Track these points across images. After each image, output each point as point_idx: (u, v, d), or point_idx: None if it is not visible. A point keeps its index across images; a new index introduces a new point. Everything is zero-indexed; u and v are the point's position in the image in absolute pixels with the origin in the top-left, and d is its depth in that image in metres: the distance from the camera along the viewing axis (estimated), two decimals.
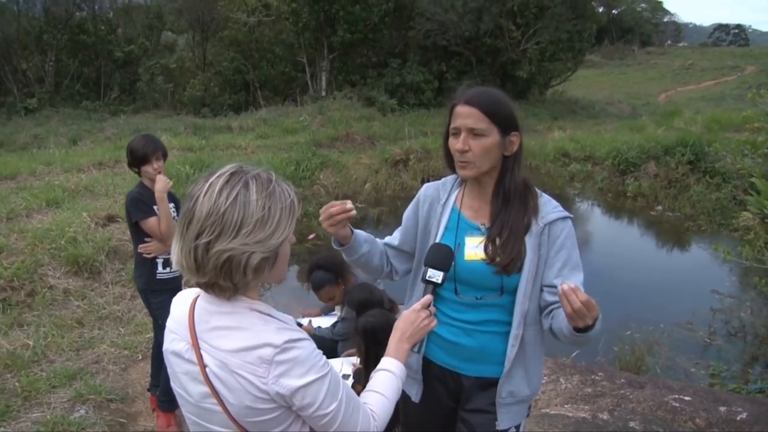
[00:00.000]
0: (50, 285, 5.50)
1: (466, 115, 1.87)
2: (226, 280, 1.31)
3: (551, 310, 1.88)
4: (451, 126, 1.93)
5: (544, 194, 2.02)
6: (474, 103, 1.86)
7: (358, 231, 2.04)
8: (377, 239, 2.18)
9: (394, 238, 2.21)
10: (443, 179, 2.16)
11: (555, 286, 1.85)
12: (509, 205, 1.94)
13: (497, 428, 2.05)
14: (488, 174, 1.96)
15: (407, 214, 2.20)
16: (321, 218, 1.89)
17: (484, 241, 1.95)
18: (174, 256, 1.35)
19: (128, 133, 14.80)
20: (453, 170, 2.03)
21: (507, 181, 1.95)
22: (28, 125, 17.76)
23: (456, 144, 1.90)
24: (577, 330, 1.68)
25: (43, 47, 22.13)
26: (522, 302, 1.93)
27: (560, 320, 1.77)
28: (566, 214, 1.98)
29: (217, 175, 1.31)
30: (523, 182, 1.97)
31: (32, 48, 22.09)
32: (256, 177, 1.32)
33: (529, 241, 1.92)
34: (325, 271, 3.87)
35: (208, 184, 1.30)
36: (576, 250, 1.96)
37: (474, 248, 1.96)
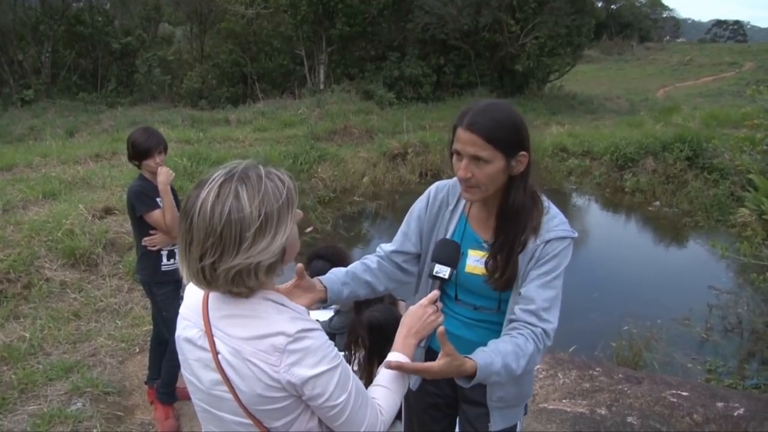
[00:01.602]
0: (47, 277, 5.49)
1: (467, 142, 1.75)
2: (240, 287, 1.32)
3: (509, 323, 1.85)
4: (453, 147, 1.81)
5: (552, 208, 1.92)
6: (475, 130, 1.73)
7: (330, 281, 1.97)
8: (360, 265, 2.10)
9: (401, 243, 2.11)
10: (454, 180, 2.02)
11: (519, 294, 1.85)
12: (511, 224, 1.86)
13: (490, 429, 2.07)
14: (493, 194, 1.87)
15: (418, 213, 2.10)
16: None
17: (485, 256, 1.92)
18: (183, 273, 1.35)
19: (125, 125, 14.75)
20: None
21: (511, 200, 1.85)
22: (25, 117, 17.68)
23: (458, 170, 1.80)
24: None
25: (40, 38, 21.98)
26: (510, 312, 1.89)
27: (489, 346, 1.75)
28: (567, 234, 1.87)
29: (207, 188, 1.28)
30: (531, 196, 1.88)
31: (28, 39, 21.94)
32: (245, 181, 1.29)
33: (523, 257, 1.86)
34: (325, 262, 3.86)
35: (200, 202, 1.27)
36: (560, 269, 1.85)
37: (475, 261, 1.95)
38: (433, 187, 2.12)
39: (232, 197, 1.26)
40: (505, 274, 1.86)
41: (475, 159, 1.75)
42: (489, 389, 2.01)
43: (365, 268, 2.07)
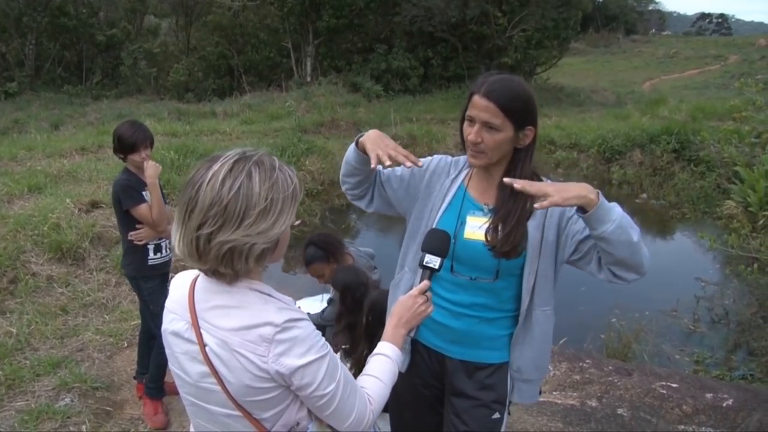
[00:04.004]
0: (33, 272, 5.43)
1: (481, 108, 1.85)
2: (227, 267, 1.32)
3: (598, 254, 1.87)
4: (467, 113, 1.91)
5: (546, 178, 2.03)
6: (492, 98, 1.83)
7: None
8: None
9: (388, 179, 2.17)
10: (456, 158, 2.16)
11: (588, 236, 1.88)
12: (518, 196, 1.91)
13: (493, 417, 2.08)
14: (497, 163, 1.96)
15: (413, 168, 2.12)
16: (390, 147, 1.87)
17: (486, 222, 1.95)
18: (174, 243, 1.35)
19: (111, 118, 14.62)
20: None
21: (518, 173, 1.93)
22: (8, 109, 17.43)
23: (469, 135, 1.89)
24: (585, 212, 1.71)
25: (23, 30, 21.64)
26: (527, 279, 1.96)
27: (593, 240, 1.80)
28: None
29: (220, 162, 1.30)
30: (532, 173, 1.97)
31: (12, 31, 21.59)
32: (259, 164, 1.31)
33: (532, 222, 1.93)
34: (317, 248, 3.87)
35: (211, 173, 1.28)
36: None
37: (476, 228, 1.97)
38: (436, 157, 2.19)
39: (245, 175, 1.28)
40: (510, 243, 1.89)
41: (487, 126, 1.86)
42: (511, 359, 2.07)
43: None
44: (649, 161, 11.45)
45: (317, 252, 3.88)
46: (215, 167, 1.29)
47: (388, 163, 1.82)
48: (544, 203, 1.64)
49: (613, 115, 16.06)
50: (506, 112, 1.83)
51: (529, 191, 1.68)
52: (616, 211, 1.73)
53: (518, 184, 1.69)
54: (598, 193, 1.71)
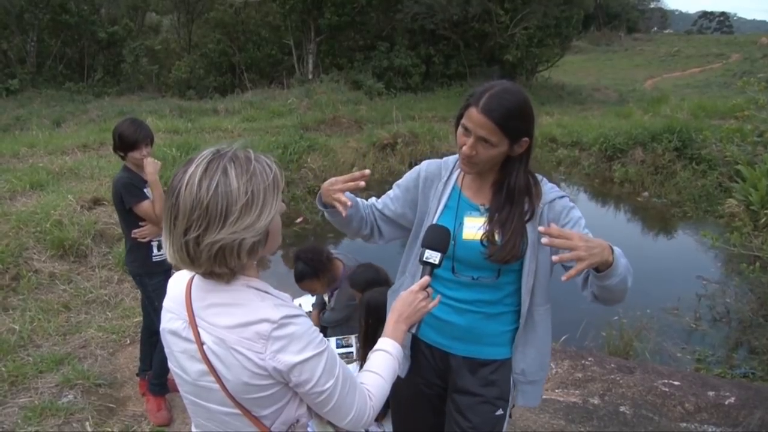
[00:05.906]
0: (35, 269, 5.43)
1: (478, 124, 1.82)
2: (222, 266, 1.31)
3: (586, 278, 1.84)
4: (462, 122, 1.88)
5: (543, 178, 2.03)
6: (490, 115, 1.80)
7: (352, 198, 2.04)
8: (362, 201, 2.17)
9: (385, 204, 2.20)
10: (445, 158, 2.15)
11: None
12: (513, 204, 1.93)
13: (497, 413, 2.08)
14: (489, 168, 1.97)
15: (405, 184, 2.18)
16: (328, 182, 1.95)
17: (485, 223, 1.95)
18: (166, 252, 1.35)
19: (113, 116, 14.63)
20: None
21: (512, 180, 1.93)
22: (10, 106, 17.46)
23: (464, 146, 1.88)
24: (599, 271, 1.68)
25: (25, 27, 21.61)
26: (527, 280, 1.96)
27: (591, 278, 1.77)
28: (563, 193, 1.99)
29: (194, 165, 1.29)
30: (527, 176, 1.96)
31: (13, 28, 21.57)
32: (234, 159, 1.29)
33: (531, 223, 1.93)
34: (305, 264, 3.83)
35: (187, 177, 1.27)
36: (582, 219, 1.95)
37: (475, 229, 1.96)
38: (423, 164, 2.18)
39: (221, 173, 1.27)
40: (507, 252, 1.89)
41: (483, 140, 1.84)
42: (513, 364, 2.07)
43: (365, 205, 2.18)
44: (650, 159, 11.42)
45: (305, 268, 3.82)
46: (190, 170, 1.28)
47: (349, 204, 1.91)
48: (572, 272, 1.61)
49: (614, 113, 16.04)
50: (503, 129, 1.82)
51: (556, 244, 1.61)
52: (622, 263, 1.70)
53: (545, 239, 1.61)
54: (612, 252, 1.68)
